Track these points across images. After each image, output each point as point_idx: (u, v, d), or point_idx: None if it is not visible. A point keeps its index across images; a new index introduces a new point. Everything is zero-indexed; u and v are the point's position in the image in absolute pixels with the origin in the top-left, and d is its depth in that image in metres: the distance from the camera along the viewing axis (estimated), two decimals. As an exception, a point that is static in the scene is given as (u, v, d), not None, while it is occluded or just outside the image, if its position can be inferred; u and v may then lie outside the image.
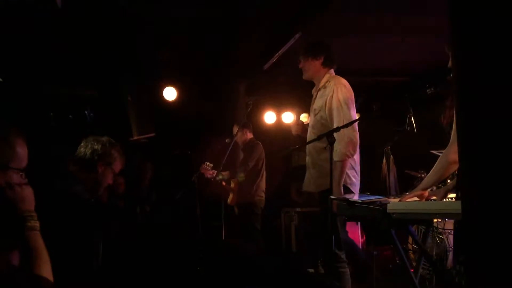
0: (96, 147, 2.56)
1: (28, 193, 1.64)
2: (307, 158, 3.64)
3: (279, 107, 7.59)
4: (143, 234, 5.19)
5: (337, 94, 3.40)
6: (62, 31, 5.03)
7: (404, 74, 6.71)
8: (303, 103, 7.74)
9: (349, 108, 3.39)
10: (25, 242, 1.55)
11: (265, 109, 7.49)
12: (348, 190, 3.39)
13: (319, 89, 3.61)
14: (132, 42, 5.60)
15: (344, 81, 3.51)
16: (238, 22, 4.98)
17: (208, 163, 5.40)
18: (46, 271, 1.52)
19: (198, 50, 5.95)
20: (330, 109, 3.42)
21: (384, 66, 6.61)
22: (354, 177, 3.46)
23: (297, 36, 5.04)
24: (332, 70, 3.64)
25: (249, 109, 5.69)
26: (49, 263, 1.55)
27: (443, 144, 2.66)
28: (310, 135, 3.60)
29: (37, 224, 1.60)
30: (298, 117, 4.03)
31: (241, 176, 5.47)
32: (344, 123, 3.18)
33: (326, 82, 3.56)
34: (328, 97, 3.44)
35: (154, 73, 6.47)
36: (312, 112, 3.63)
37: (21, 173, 1.63)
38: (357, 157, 3.47)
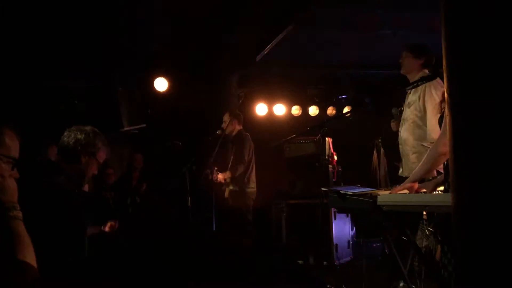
0: (79, 136, 2.50)
1: (11, 184, 1.61)
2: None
3: (271, 99, 7.59)
4: (133, 224, 5.19)
5: (434, 91, 3.65)
6: (52, 21, 4.98)
7: (397, 67, 6.72)
8: (295, 95, 7.76)
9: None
10: (7, 230, 1.54)
11: (257, 101, 7.48)
12: None
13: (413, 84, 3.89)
14: (123, 33, 5.56)
15: (439, 80, 3.75)
16: (231, 13, 4.95)
17: (215, 168, 5.38)
18: (30, 257, 1.52)
19: (190, 41, 5.92)
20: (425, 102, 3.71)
21: (376, 59, 6.62)
22: None
23: (289, 28, 5.03)
24: (426, 70, 3.90)
25: (240, 101, 5.67)
26: (32, 249, 1.55)
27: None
28: (405, 127, 3.90)
29: (19, 214, 1.59)
30: (397, 114, 4.23)
31: (239, 172, 5.49)
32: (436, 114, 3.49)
33: (419, 78, 3.84)
34: (423, 92, 3.72)
35: (146, 64, 6.43)
36: (406, 106, 3.92)
37: (10, 162, 1.61)
38: None
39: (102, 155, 2.59)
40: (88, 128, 2.56)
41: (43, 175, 2.52)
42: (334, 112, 7.76)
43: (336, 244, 5.78)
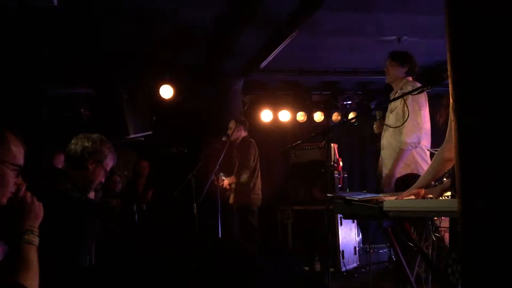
0: (86, 144, 2.51)
1: (37, 209, 1.62)
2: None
3: (276, 105, 7.59)
4: (139, 232, 5.19)
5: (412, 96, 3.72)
6: (58, 29, 5.02)
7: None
8: (300, 101, 7.77)
9: (420, 108, 3.80)
10: (17, 252, 1.53)
11: (262, 107, 7.49)
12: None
13: (396, 92, 3.97)
14: (128, 40, 5.59)
15: (419, 85, 3.85)
16: (235, 20, 4.97)
17: (221, 174, 5.39)
18: (32, 285, 1.49)
19: (195, 48, 5.95)
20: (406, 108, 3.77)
21: (381, 65, 6.62)
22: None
23: (293, 34, 5.05)
24: (410, 77, 4.01)
25: (245, 107, 5.69)
26: (37, 278, 1.53)
27: (440, 142, 2.67)
28: (387, 133, 4.01)
29: (35, 239, 1.58)
30: (380, 115, 4.33)
31: (244, 177, 5.47)
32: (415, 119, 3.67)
33: (403, 84, 3.94)
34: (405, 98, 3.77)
35: (151, 71, 6.45)
36: (389, 111, 4.03)
37: (16, 169, 1.61)
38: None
39: (109, 163, 2.60)
40: (95, 136, 2.57)
41: (50, 182, 2.53)
42: (339, 118, 7.75)
43: (343, 251, 5.76)
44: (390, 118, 4.00)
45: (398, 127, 3.85)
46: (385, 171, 4.02)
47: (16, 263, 1.51)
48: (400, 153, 3.79)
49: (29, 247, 1.56)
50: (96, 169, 2.53)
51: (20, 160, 1.64)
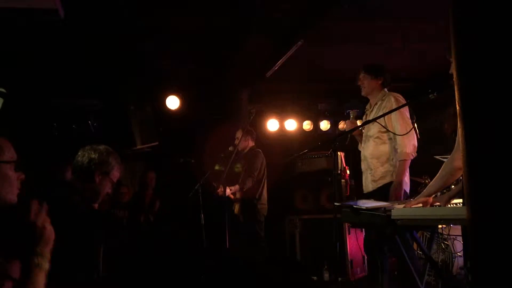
0: (93, 156, 2.52)
1: (48, 234, 1.61)
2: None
3: (282, 115, 7.59)
4: (147, 243, 5.18)
5: (397, 105, 3.75)
6: (65, 41, 5.06)
7: (406, 80, 6.72)
8: (306, 110, 7.76)
9: (408, 117, 3.88)
10: (25, 274, 1.52)
11: (268, 116, 7.50)
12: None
13: (376, 103, 4.05)
14: (135, 52, 5.62)
15: (400, 95, 3.97)
16: (241, 30, 5.00)
17: (221, 186, 5.36)
18: None
19: (201, 59, 5.97)
20: (390, 119, 3.84)
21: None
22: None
23: (299, 43, 5.06)
24: (386, 89, 4.08)
25: (251, 117, 5.70)
26: None
27: (446, 149, 2.66)
28: (369, 143, 4.04)
29: (45, 264, 1.56)
30: (354, 115, 4.38)
31: (247, 185, 5.45)
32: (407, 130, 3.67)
33: (383, 96, 4.02)
34: (387, 109, 3.80)
35: (157, 82, 6.48)
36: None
37: (12, 164, 1.64)
38: None
39: (116, 174, 2.60)
40: (101, 147, 2.58)
41: (57, 194, 2.54)
42: (345, 126, 7.73)
43: (351, 260, 5.72)
44: (371, 128, 4.03)
45: (380, 138, 3.92)
46: (365, 185, 4.09)
47: (22, 284, 1.51)
48: (402, 164, 3.78)
49: (37, 270, 1.54)
50: (103, 181, 2.53)
51: (13, 154, 1.67)
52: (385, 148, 3.91)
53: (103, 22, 4.73)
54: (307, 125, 7.77)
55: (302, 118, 7.72)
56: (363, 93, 4.17)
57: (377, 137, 3.95)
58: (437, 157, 3.92)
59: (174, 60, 5.91)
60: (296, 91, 7.56)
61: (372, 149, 4.01)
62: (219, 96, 6.99)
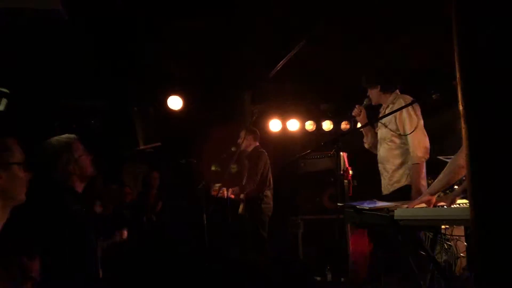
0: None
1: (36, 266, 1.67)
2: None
3: (284, 115, 7.59)
4: (149, 243, 5.19)
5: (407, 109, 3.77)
6: (68, 42, 5.07)
7: (409, 81, 6.71)
8: (308, 110, 7.75)
9: (419, 119, 3.86)
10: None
11: (271, 117, 7.49)
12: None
13: (388, 106, 4.04)
14: (137, 53, 5.63)
15: (409, 98, 3.92)
16: (243, 30, 5.00)
17: (219, 184, 5.35)
18: None
19: (203, 59, 5.97)
20: (401, 122, 3.86)
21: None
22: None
23: (301, 44, 5.06)
24: (397, 90, 4.06)
25: (254, 117, 5.70)
26: None
27: (450, 149, 2.66)
28: (383, 147, 4.06)
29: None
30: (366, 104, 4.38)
31: (246, 192, 5.45)
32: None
33: (394, 99, 4.00)
34: (397, 113, 3.82)
35: (160, 82, 6.49)
36: (382, 125, 4.09)
37: (22, 165, 1.69)
38: None
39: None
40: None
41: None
42: (348, 126, 7.72)
43: (354, 260, 5.71)
44: (384, 132, 4.05)
45: (394, 141, 3.92)
46: (385, 188, 4.10)
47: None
48: (415, 168, 3.78)
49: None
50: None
51: (22, 155, 1.75)
52: (399, 151, 3.93)
53: (106, 22, 4.74)
54: (309, 125, 7.76)
55: (304, 118, 7.71)
56: (373, 102, 4.23)
57: (391, 141, 3.98)
58: (440, 157, 3.91)
59: (177, 61, 5.91)
60: (298, 92, 7.55)
61: (386, 152, 4.04)
62: (221, 96, 6.99)
